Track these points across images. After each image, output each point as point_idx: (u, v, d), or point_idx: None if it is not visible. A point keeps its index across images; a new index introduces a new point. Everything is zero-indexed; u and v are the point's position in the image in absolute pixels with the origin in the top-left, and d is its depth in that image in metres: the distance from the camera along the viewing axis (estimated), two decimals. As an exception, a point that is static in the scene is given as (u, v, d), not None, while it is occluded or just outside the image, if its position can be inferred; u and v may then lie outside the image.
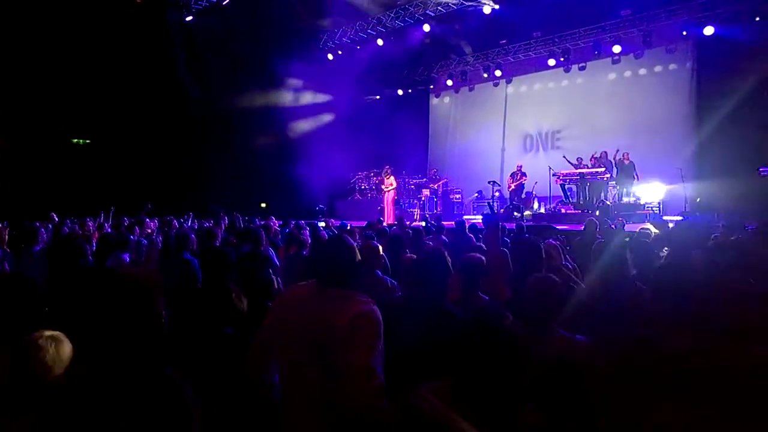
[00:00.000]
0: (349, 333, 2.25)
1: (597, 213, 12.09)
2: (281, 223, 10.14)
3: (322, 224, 10.35)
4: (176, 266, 4.75)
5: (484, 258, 3.84)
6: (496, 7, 14.39)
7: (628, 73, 15.94)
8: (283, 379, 2.47)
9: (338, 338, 2.25)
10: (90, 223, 9.28)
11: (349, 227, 8.77)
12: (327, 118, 19.30)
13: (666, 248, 4.60)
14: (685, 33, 14.22)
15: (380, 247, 4.59)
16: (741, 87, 12.36)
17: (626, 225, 9.28)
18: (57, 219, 9.53)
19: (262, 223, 9.82)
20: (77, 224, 9.22)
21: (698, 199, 12.71)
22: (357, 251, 2.59)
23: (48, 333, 1.96)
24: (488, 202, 14.97)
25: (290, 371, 2.42)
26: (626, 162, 13.45)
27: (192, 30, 15.53)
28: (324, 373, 2.27)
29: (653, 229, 6.61)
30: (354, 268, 2.54)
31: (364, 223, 9.41)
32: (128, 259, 5.76)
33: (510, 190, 15.48)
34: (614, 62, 15.97)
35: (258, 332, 2.55)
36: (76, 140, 16.63)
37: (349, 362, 2.22)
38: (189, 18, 15.39)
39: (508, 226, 9.17)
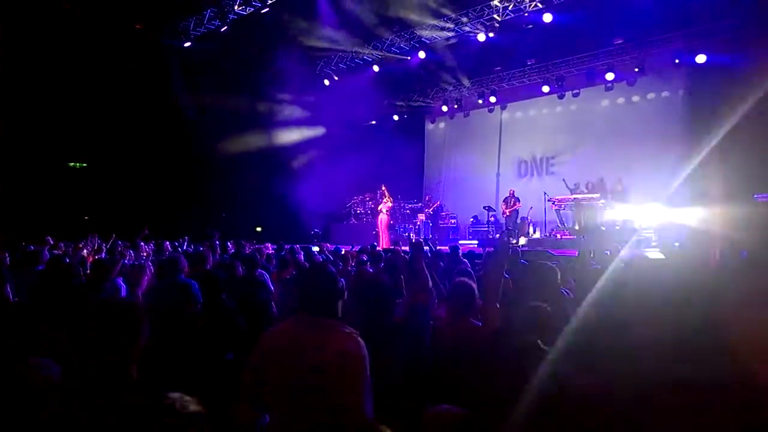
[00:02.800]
0: (336, 371, 2.25)
1: (592, 238, 12.11)
2: (276, 247, 10.13)
3: (316, 249, 10.35)
4: (172, 289, 4.73)
5: (473, 284, 3.83)
6: (491, 35, 14.59)
7: (621, 100, 16.13)
8: (272, 420, 2.45)
9: (325, 377, 2.25)
10: (86, 247, 9.22)
11: (343, 252, 8.76)
12: (323, 142, 19.38)
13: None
14: (677, 61, 14.43)
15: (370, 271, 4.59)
16: (733, 114, 12.50)
17: (621, 251, 9.28)
18: (52, 242, 9.48)
19: (255, 247, 9.82)
20: (71, 248, 9.17)
21: (691, 226, 12.75)
22: (338, 279, 2.59)
23: (36, 359, 1.93)
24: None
25: (278, 412, 2.40)
26: (619, 189, 13.55)
27: (190, 55, 15.66)
28: (313, 413, 2.26)
29: (650, 255, 6.62)
30: (335, 296, 2.54)
31: (358, 248, 9.40)
32: (122, 283, 5.72)
33: (505, 216, 15.55)
34: (607, 89, 16.15)
35: (244, 375, 2.52)
36: (72, 164, 16.64)
37: (339, 404, 2.22)
38: (187, 44, 15.54)
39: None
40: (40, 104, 14.52)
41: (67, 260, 5.97)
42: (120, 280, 5.58)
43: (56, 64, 14.27)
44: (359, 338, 2.39)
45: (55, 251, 8.03)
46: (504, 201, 15.77)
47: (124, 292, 5.40)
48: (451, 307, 3.71)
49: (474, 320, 3.69)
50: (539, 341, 2.59)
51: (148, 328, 1.90)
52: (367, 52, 16.68)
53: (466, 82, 18.28)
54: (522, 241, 14.11)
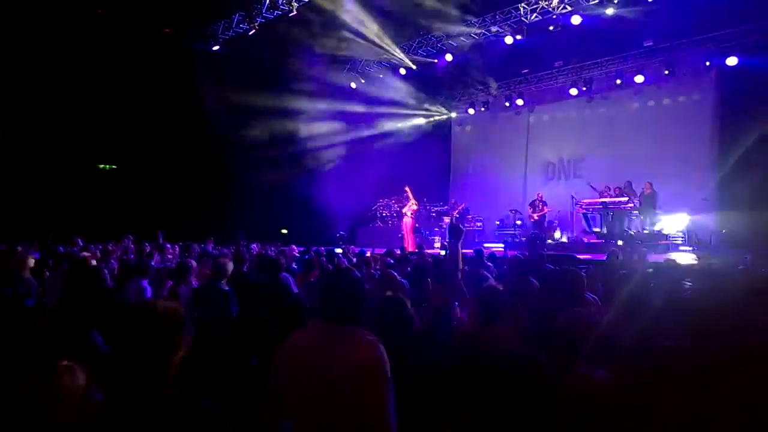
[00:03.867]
0: (358, 380, 2.22)
1: (620, 243, 11.90)
2: (303, 249, 10.17)
3: (339, 251, 10.37)
4: (211, 296, 4.83)
5: (500, 287, 3.78)
6: (518, 37, 14.48)
7: (651, 103, 15.83)
8: (296, 428, 2.40)
9: (347, 386, 2.22)
10: (115, 250, 9.39)
11: (368, 254, 8.75)
12: (350, 144, 19.43)
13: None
14: (708, 63, 14.13)
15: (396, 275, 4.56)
16: (765, 117, 12.18)
17: (649, 256, 9.10)
18: (81, 243, 9.67)
19: (280, 249, 9.87)
20: (99, 249, 9.35)
21: (723, 231, 12.47)
22: (362, 285, 2.54)
23: (64, 363, 1.95)
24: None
25: (301, 420, 2.36)
26: (647, 192, 13.29)
27: (218, 59, 15.86)
28: (335, 422, 2.23)
29: (680, 260, 6.46)
30: (358, 303, 2.48)
31: (384, 251, 9.37)
32: (147, 285, 5.81)
33: (532, 221, 15.36)
34: (637, 92, 15.88)
35: (267, 384, 2.50)
36: (102, 165, 17.01)
37: (362, 412, 2.19)
38: (216, 48, 15.75)
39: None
40: (70, 107, 14.87)
41: (94, 262, 6.07)
42: (145, 282, 5.68)
43: (87, 68, 14.59)
44: (380, 345, 2.35)
45: (85, 253, 8.21)
46: (530, 205, 15.57)
47: (149, 294, 5.50)
48: (480, 313, 3.66)
49: (502, 327, 3.63)
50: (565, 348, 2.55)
51: (191, 331, 1.86)
52: (395, 56, 16.67)
53: (493, 84, 18.16)
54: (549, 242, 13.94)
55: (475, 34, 15.23)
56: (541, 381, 1.94)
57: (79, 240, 9.80)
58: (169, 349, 1.74)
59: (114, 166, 17.09)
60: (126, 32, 14.43)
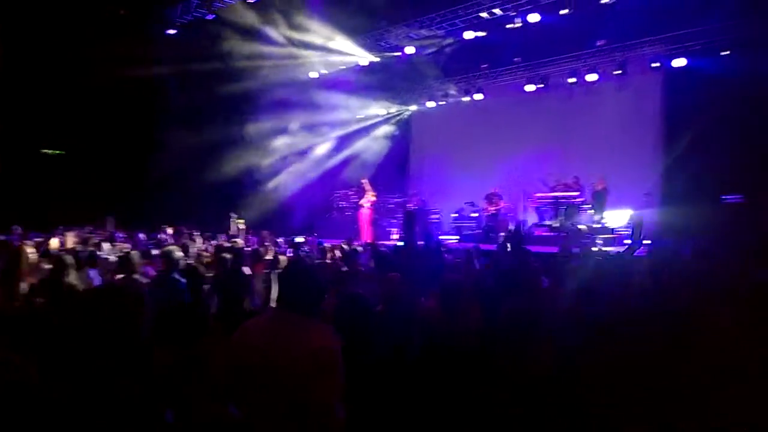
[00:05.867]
0: (311, 369, 2.23)
1: (570, 235, 12.28)
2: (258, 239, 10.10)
3: (300, 239, 10.36)
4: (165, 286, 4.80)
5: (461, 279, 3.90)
6: (479, 34, 14.67)
7: (601, 100, 16.27)
8: (243, 415, 2.43)
9: (299, 374, 2.23)
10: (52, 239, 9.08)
11: (325, 245, 8.77)
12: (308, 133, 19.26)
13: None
14: (657, 64, 14.60)
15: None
16: (707, 117, 12.77)
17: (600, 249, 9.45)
18: (21, 231, 9.34)
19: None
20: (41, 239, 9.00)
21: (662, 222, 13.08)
22: (318, 278, 2.55)
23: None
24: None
25: (251, 407, 2.38)
26: (600, 187, 13.73)
27: (176, 43, 15.46)
28: (286, 410, 2.25)
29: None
30: (314, 292, 2.50)
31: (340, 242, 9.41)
32: (96, 275, 5.70)
33: (488, 214, 15.64)
34: (589, 90, 16.30)
35: (214, 369, 2.52)
36: (48, 151, 16.36)
37: (313, 401, 2.22)
38: (173, 31, 15.34)
39: (483, 248, 9.30)
40: (16, 91, 14.22)
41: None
42: (94, 272, 5.58)
43: (35, 50, 13.99)
44: (334, 332, 2.39)
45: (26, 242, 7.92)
46: (486, 198, 15.83)
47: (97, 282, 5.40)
48: (443, 302, 3.75)
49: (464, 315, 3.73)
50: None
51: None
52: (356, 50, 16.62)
53: (451, 78, 18.34)
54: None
55: (436, 29, 15.33)
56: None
57: (18, 228, 9.46)
58: (134, 332, 1.72)
59: (62, 152, 16.45)
60: (79, 13, 13.90)
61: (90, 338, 1.76)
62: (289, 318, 2.41)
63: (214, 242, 9.99)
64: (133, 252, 5.67)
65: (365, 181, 15.28)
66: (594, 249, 8.20)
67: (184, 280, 5.01)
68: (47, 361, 1.92)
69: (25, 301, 4.07)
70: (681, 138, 13.20)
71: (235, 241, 8.83)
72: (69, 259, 4.76)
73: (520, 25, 13.83)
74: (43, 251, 7.10)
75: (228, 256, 6.00)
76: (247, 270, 5.92)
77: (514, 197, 15.89)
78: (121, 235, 10.22)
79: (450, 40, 15.83)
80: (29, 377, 1.88)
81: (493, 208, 15.50)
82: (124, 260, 5.10)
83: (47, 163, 16.14)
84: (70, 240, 9.14)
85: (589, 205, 14.01)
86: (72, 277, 4.54)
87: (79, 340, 1.73)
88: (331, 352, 2.29)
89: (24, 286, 4.30)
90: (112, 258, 6.65)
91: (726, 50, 12.96)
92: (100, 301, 1.77)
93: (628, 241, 12.59)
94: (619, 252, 8.48)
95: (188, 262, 6.14)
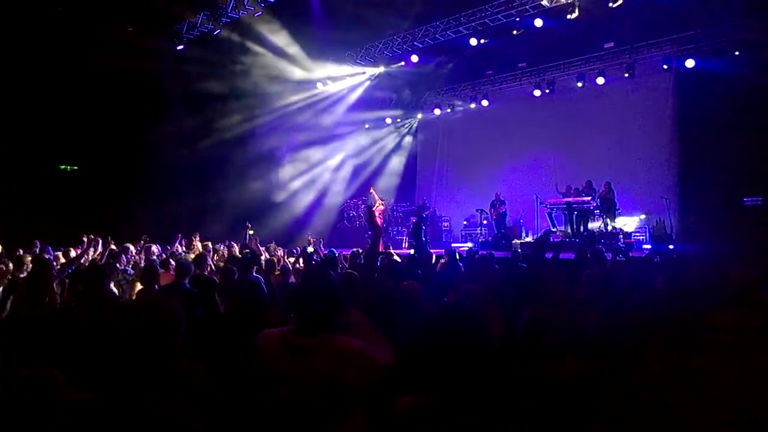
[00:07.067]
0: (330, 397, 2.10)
1: (585, 241, 12.20)
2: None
3: (310, 249, 10.35)
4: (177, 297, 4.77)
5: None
6: (483, 41, 14.66)
7: (611, 104, 16.20)
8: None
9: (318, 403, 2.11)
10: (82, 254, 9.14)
11: (336, 254, 8.75)
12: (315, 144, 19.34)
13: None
14: (666, 66, 14.54)
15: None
16: (720, 118, 12.67)
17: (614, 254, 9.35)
18: (39, 245, 9.39)
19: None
20: (61, 251, 9.06)
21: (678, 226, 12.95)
22: (336, 289, 2.42)
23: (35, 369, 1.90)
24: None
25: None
26: (605, 193, 13.65)
27: (183, 59, 15.60)
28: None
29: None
30: (333, 308, 2.33)
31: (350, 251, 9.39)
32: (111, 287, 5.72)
33: (493, 219, 15.63)
34: (598, 93, 16.24)
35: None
36: (63, 167, 16.51)
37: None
38: (180, 47, 15.49)
39: (497, 254, 9.27)
40: (29, 107, 14.37)
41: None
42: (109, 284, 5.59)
43: (48, 67, 14.15)
44: (356, 353, 2.25)
45: (48, 256, 7.98)
46: (491, 205, 15.82)
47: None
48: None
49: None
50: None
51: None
52: (360, 55, 16.70)
53: (458, 85, 18.36)
54: (515, 242, 14.17)
55: (440, 36, 15.36)
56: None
57: (37, 243, 9.52)
58: (171, 345, 1.73)
59: (75, 167, 16.58)
60: (88, 30, 14.05)
61: (127, 350, 1.77)
62: (306, 341, 2.24)
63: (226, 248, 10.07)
64: (152, 264, 5.71)
65: (373, 191, 15.30)
66: (608, 254, 8.12)
67: (196, 290, 5.02)
68: (77, 370, 1.94)
69: (53, 311, 4.14)
70: (696, 140, 13.10)
71: (251, 250, 8.86)
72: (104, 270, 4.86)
73: (522, 31, 13.83)
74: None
75: (239, 264, 6.04)
76: (260, 278, 5.95)
77: (525, 203, 15.83)
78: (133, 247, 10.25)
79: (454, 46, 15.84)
80: (59, 390, 1.90)
81: (495, 214, 15.49)
82: (148, 271, 5.14)
83: (63, 179, 16.30)
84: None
85: (599, 211, 13.92)
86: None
87: (116, 352, 1.75)
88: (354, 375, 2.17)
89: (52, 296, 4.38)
90: (130, 270, 6.70)
91: (737, 50, 12.88)
92: (140, 313, 1.79)
93: (648, 246, 12.49)
94: (635, 257, 8.42)
95: (204, 273, 6.15)
